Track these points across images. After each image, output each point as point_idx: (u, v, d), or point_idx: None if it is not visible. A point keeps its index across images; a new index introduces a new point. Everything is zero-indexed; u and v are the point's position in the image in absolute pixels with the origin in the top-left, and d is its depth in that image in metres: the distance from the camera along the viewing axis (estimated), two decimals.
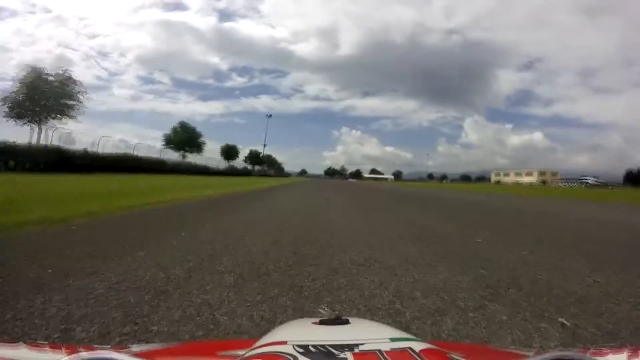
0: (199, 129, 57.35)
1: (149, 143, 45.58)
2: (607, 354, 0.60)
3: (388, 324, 0.79)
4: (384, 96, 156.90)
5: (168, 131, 51.47)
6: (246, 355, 0.51)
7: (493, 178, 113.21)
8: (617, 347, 0.61)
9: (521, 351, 0.74)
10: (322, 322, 0.64)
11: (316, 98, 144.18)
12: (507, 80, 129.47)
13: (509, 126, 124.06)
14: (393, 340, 0.55)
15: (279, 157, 76.13)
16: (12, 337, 1.40)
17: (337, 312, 0.87)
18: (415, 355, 0.48)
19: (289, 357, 0.47)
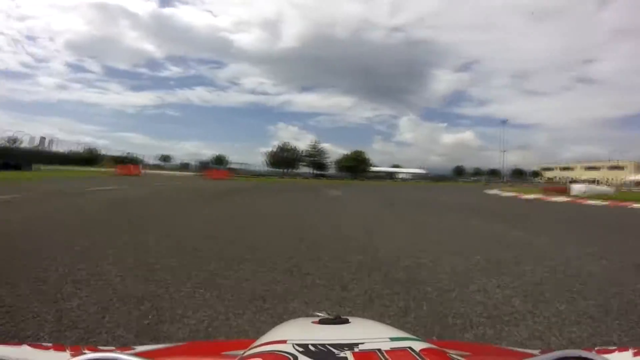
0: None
1: (78, 138, 42.81)
2: (612, 351, 0.62)
3: (388, 324, 0.75)
4: (322, 92, 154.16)
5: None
6: (246, 354, 0.51)
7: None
8: (622, 347, 0.63)
9: (525, 350, 0.74)
10: (321, 322, 0.65)
11: (253, 91, 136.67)
12: (444, 81, 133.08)
13: (443, 125, 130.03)
14: (393, 339, 0.55)
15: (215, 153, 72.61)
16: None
17: (336, 312, 0.90)
18: (415, 355, 0.48)
19: (289, 356, 0.47)
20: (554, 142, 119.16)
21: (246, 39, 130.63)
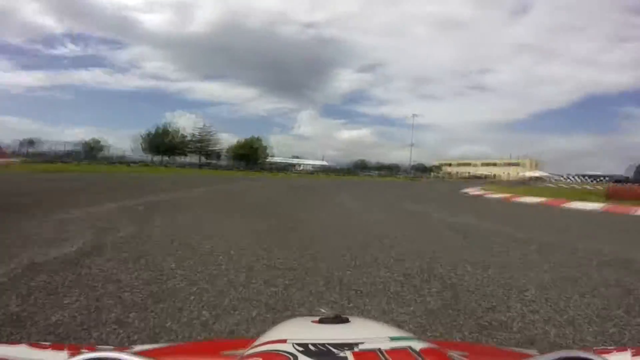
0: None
1: None
2: (610, 351, 0.65)
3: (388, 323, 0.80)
4: (225, 81, 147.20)
5: None
6: (246, 354, 0.53)
7: None
8: (621, 347, 0.68)
9: (523, 350, 0.79)
10: (321, 321, 0.66)
11: (154, 76, 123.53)
12: (346, 80, 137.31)
13: (341, 121, 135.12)
14: (393, 339, 0.56)
15: (109, 140, 60.85)
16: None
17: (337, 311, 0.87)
18: (415, 354, 0.50)
19: (288, 355, 0.49)
20: (445, 141, 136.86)
21: (155, 20, 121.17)
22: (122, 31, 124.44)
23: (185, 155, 58.58)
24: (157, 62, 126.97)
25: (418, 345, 0.52)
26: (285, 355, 0.48)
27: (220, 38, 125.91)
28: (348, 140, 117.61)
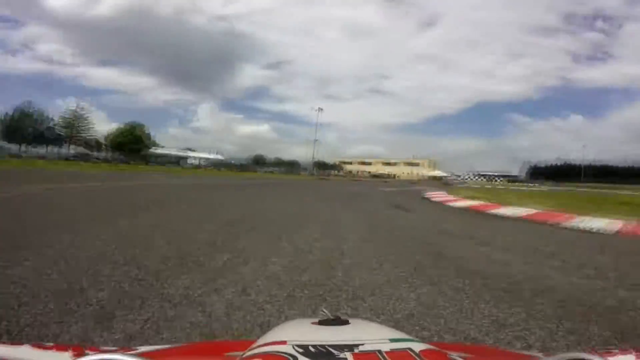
0: None
1: None
2: (615, 354, 0.65)
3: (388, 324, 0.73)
4: (123, 69, 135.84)
5: None
6: (246, 355, 0.53)
7: None
8: (625, 349, 0.67)
9: (526, 353, 0.78)
10: (321, 322, 0.67)
11: (48, 59, 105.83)
12: (251, 75, 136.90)
13: (241, 116, 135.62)
14: (393, 340, 0.57)
15: None
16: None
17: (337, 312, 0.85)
18: (415, 356, 0.51)
19: (288, 357, 0.49)
20: (345, 140, 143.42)
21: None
22: (22, 8, 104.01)
23: (61, 144, 49.54)
24: (54, 44, 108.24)
25: (418, 346, 0.54)
26: (285, 357, 0.48)
27: (126, 22, 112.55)
28: (248, 135, 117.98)
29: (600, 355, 0.50)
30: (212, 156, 71.42)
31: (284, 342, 0.53)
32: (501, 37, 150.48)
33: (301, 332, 0.66)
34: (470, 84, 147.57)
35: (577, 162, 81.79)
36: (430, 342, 0.62)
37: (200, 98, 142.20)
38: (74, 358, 0.54)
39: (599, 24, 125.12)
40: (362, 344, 0.53)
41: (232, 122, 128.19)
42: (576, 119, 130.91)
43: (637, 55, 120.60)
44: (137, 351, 0.66)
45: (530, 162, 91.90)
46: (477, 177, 74.42)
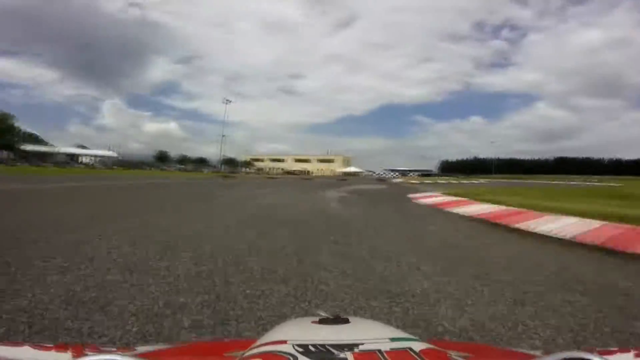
0: None
1: None
2: (614, 353, 0.64)
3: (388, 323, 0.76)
4: (24, 59, 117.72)
5: None
6: (246, 354, 0.53)
7: None
8: (624, 348, 0.66)
9: (526, 351, 0.78)
10: (321, 322, 0.66)
11: None
12: (161, 69, 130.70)
13: (148, 113, 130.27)
14: (393, 340, 0.57)
15: None
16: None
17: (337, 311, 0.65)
18: (415, 355, 0.51)
19: (288, 356, 0.49)
20: (254, 139, 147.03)
21: None
22: None
23: None
24: None
25: (418, 346, 0.54)
26: (285, 356, 0.48)
27: (29, 8, 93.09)
28: (156, 132, 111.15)
29: (599, 354, 0.51)
30: (105, 153, 65.72)
31: (284, 342, 0.54)
32: (412, 42, 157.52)
33: (301, 331, 0.66)
34: (379, 85, 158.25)
35: (482, 157, 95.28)
36: (430, 340, 0.62)
37: (106, 93, 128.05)
38: (73, 358, 0.54)
39: (505, 32, 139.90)
40: (362, 343, 0.53)
41: (139, 119, 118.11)
42: (476, 121, 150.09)
43: (535, 63, 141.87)
44: (136, 351, 0.67)
45: (441, 158, 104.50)
46: (392, 173, 77.34)
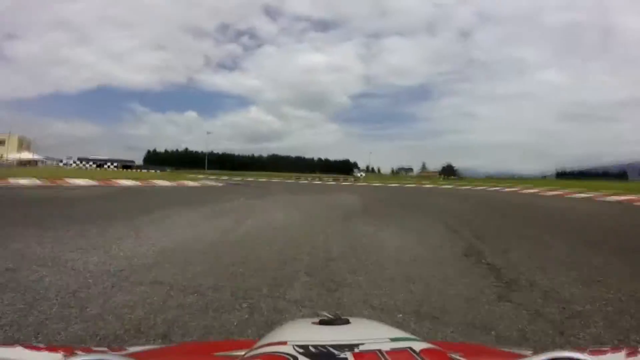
0: None
1: None
2: (605, 352, 0.66)
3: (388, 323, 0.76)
4: None
5: None
6: (246, 355, 0.53)
7: None
8: (615, 347, 0.73)
9: (520, 351, 0.78)
10: (322, 322, 0.66)
11: None
12: None
13: None
14: (393, 340, 0.57)
15: None
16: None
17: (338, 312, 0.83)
18: (415, 355, 0.51)
19: (289, 357, 0.49)
20: None
21: None
22: None
23: None
24: None
25: (418, 346, 0.54)
26: (286, 357, 0.48)
27: None
28: None
29: (591, 353, 0.52)
30: None
31: (284, 343, 0.54)
32: (154, 26, 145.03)
33: (302, 332, 0.67)
34: (103, 65, 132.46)
35: (194, 150, 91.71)
36: (430, 340, 0.63)
37: None
38: (64, 358, 0.53)
39: (245, 39, 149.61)
40: (363, 344, 0.53)
41: None
42: (192, 115, 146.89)
43: (259, 72, 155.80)
44: (127, 351, 0.67)
45: (149, 149, 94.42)
46: (85, 163, 59.33)
